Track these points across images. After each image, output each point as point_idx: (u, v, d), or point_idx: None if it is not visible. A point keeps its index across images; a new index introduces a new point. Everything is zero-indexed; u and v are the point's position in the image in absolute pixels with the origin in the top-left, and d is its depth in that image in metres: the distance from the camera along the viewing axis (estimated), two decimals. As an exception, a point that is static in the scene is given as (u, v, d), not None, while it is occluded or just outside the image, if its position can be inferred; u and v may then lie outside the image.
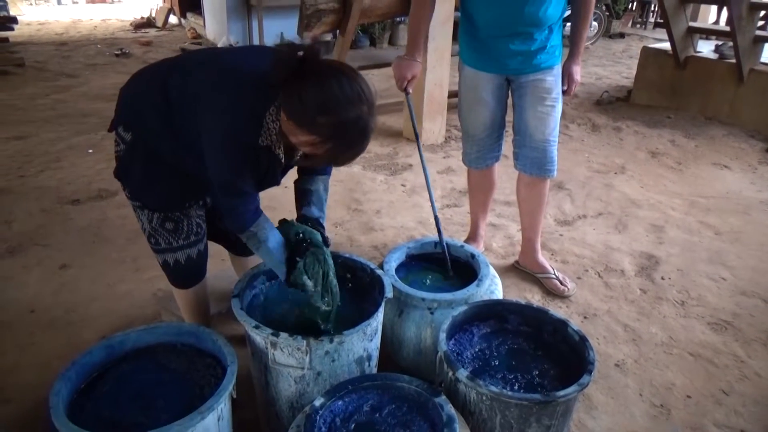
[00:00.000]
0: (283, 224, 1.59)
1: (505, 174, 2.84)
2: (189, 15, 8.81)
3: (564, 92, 2.32)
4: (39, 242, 2.77)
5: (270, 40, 6.93)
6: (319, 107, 1.27)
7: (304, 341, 1.42)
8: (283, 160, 1.49)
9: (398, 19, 7.17)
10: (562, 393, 1.40)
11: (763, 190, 3.64)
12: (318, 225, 1.64)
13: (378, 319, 1.59)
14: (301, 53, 1.30)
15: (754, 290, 2.58)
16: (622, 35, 9.60)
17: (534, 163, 2.36)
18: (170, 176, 1.57)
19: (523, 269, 2.62)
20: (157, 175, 1.56)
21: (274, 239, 1.52)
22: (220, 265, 2.33)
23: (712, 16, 9.09)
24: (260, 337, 1.46)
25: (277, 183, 1.57)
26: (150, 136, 1.52)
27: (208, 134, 1.39)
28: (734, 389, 2.00)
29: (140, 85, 1.55)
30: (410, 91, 2.22)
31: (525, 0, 2.07)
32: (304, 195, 1.71)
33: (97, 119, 4.57)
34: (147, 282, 2.47)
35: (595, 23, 8.70)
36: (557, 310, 2.38)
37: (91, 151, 3.91)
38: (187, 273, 1.74)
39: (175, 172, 1.56)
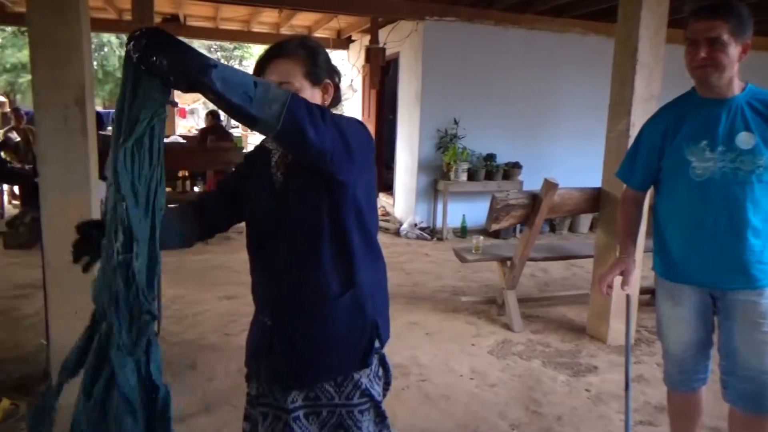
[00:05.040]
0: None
1: (710, 391, 2.51)
2: (380, 194, 9.75)
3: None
4: (232, 402, 2.98)
5: (454, 221, 7.32)
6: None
7: None
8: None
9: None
10: None
11: None
12: None
13: None
14: None
15: None
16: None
17: (747, 398, 2.02)
18: None
19: None
20: None
21: None
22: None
23: None
24: None
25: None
26: None
27: None
28: None
29: None
30: (626, 290, 2.13)
31: (735, 199, 1.91)
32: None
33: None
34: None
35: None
36: None
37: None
38: None
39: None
